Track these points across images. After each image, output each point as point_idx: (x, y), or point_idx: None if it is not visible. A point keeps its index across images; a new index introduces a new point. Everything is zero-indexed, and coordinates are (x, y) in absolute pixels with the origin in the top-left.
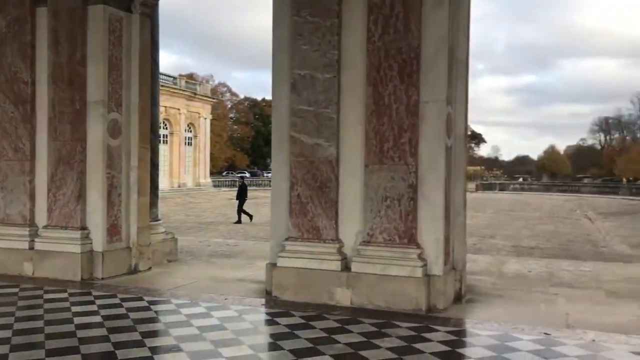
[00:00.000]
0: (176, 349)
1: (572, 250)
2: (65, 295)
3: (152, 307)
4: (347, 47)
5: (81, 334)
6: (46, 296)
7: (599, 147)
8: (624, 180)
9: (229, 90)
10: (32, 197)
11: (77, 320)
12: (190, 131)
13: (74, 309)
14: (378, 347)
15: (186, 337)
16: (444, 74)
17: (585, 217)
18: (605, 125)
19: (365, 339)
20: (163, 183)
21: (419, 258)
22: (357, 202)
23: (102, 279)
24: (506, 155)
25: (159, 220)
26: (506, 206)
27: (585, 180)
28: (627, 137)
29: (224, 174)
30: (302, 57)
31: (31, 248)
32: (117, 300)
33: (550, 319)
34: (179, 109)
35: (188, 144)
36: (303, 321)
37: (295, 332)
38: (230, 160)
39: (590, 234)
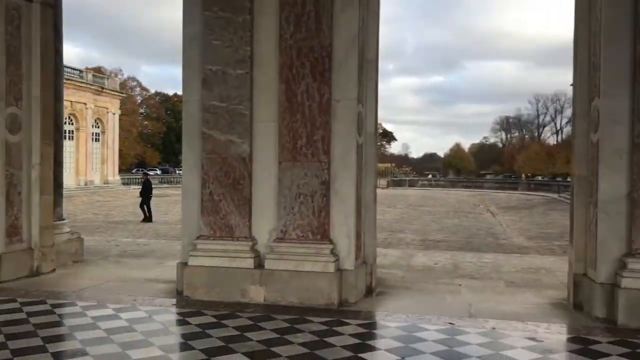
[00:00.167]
0: (81, 353)
1: (475, 242)
2: None
3: (55, 310)
4: (259, 44)
5: None
6: None
7: (500, 145)
8: (523, 176)
9: (139, 85)
10: None
11: None
12: (98, 127)
13: None
14: (291, 342)
15: (92, 341)
16: (355, 73)
17: (487, 211)
18: (506, 125)
19: (278, 336)
20: (69, 181)
21: (332, 253)
22: (270, 199)
23: (1, 282)
24: (415, 153)
25: (63, 219)
26: (415, 201)
27: (488, 177)
28: (526, 136)
29: (133, 171)
30: (214, 53)
31: None
32: (16, 305)
33: (454, 309)
34: (85, 104)
35: (95, 140)
36: (215, 320)
37: (207, 331)
38: (140, 157)
39: (491, 228)
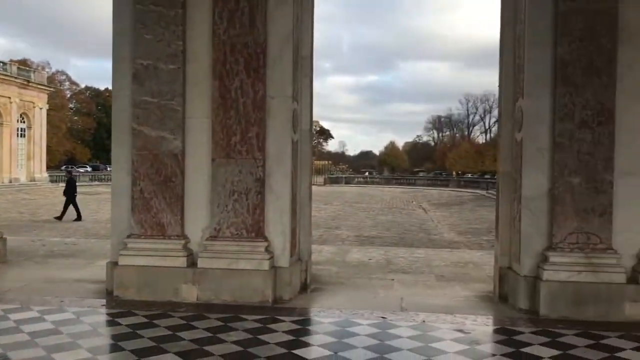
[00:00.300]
0: (2, 358)
1: (408, 238)
2: None
3: None
4: (192, 39)
5: None
6: None
7: (432, 143)
8: (454, 173)
9: (69, 79)
10: None
11: None
12: (24, 122)
13: None
14: (224, 341)
15: (15, 345)
16: (290, 70)
17: (420, 207)
18: (438, 124)
19: (211, 334)
20: None
21: (266, 251)
22: (204, 197)
23: None
24: (352, 150)
25: None
26: (351, 198)
27: (421, 174)
28: (457, 135)
29: (62, 168)
30: (146, 47)
31: None
32: None
33: (387, 303)
34: (9, 98)
35: (21, 136)
36: (146, 320)
37: (138, 331)
38: (69, 154)
39: (424, 223)
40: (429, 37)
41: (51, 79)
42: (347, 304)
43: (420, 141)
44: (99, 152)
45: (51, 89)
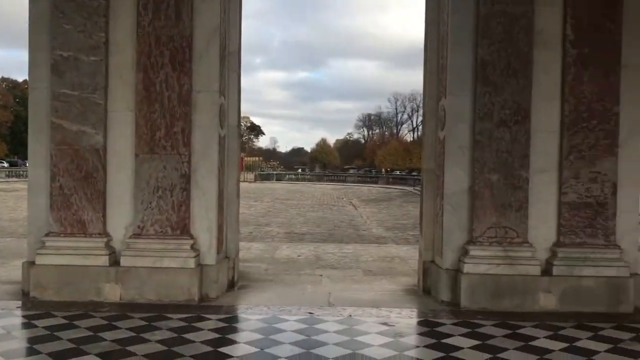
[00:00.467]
0: None
1: (337, 234)
2: None
3: None
4: (116, 30)
5: None
6: None
7: (363, 141)
8: (383, 170)
9: None
10: None
11: None
12: None
13: None
14: (147, 341)
15: None
16: (216, 64)
17: (350, 204)
18: (368, 121)
19: (134, 334)
20: None
21: (192, 248)
22: (127, 194)
23: None
24: (283, 147)
25: None
26: (282, 195)
27: (351, 171)
28: (386, 133)
29: None
30: (65, 38)
31: None
32: None
33: (315, 299)
34: None
35: None
36: (66, 321)
37: (56, 333)
38: None
39: (353, 219)
40: (359, 36)
41: None
42: (274, 301)
43: (351, 139)
44: (17, 147)
45: None
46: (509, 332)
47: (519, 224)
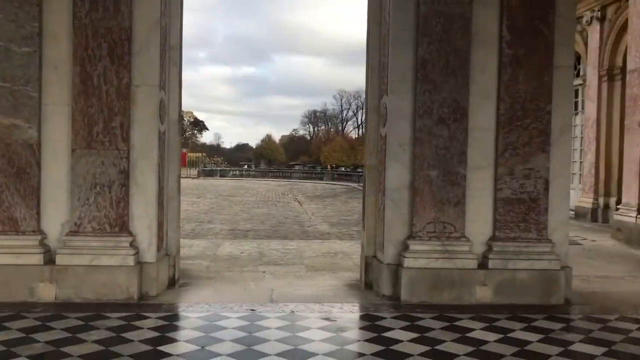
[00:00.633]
0: None
1: (282, 230)
2: None
3: None
4: (50, 21)
5: None
6: None
7: (308, 137)
8: (329, 167)
9: None
10: None
11: None
12: None
13: None
14: (84, 341)
15: None
16: (157, 58)
17: (295, 200)
18: (314, 118)
19: (69, 335)
20: None
21: (131, 246)
22: (63, 190)
23: None
24: (227, 143)
25: None
26: (226, 191)
27: (296, 167)
28: (331, 129)
29: None
30: None
31: None
32: None
33: (257, 295)
34: None
35: None
36: None
37: None
38: None
39: (298, 216)
40: (304, 32)
41: None
42: (216, 298)
43: (297, 135)
44: None
45: None
46: (447, 324)
47: (457, 219)
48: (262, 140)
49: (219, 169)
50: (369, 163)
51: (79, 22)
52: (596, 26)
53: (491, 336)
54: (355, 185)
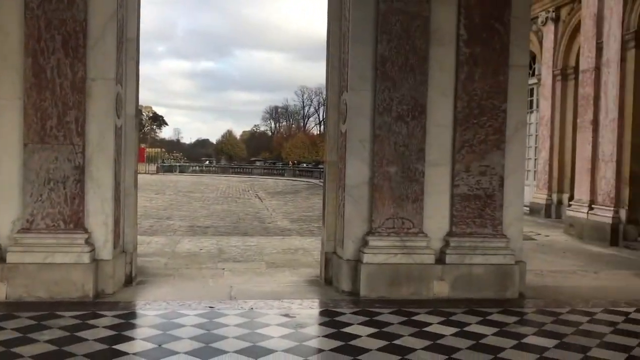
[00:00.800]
0: None
1: (242, 227)
2: None
3: None
4: (0, 12)
5: None
6: None
7: (270, 133)
8: (290, 163)
9: None
10: None
11: None
12: None
13: None
14: (35, 341)
15: None
16: (113, 51)
17: (255, 196)
18: (275, 114)
19: (20, 335)
20: None
21: (87, 243)
22: (14, 186)
23: None
24: (187, 138)
25: None
26: (185, 188)
27: (258, 163)
28: (293, 125)
29: None
30: None
31: None
32: None
33: (216, 292)
34: None
35: None
36: None
37: None
38: None
39: (258, 212)
40: (265, 27)
41: None
42: (174, 295)
43: (258, 131)
44: None
45: None
46: (405, 319)
47: (415, 215)
48: (223, 136)
49: (178, 164)
50: (330, 159)
51: (31, 13)
52: (551, 27)
53: (448, 330)
54: (316, 181)
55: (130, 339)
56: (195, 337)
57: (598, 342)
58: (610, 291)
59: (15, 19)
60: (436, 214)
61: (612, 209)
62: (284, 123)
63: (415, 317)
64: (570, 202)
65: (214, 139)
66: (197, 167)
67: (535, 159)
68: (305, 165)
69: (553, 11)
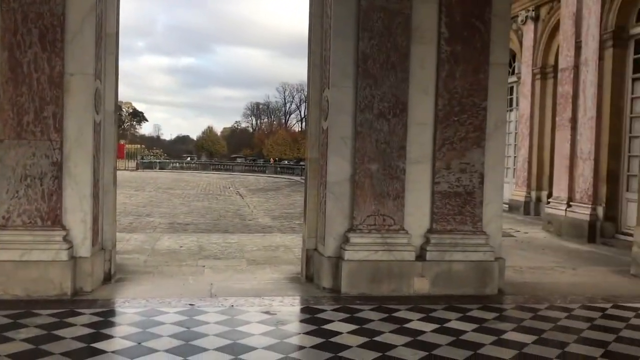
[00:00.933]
0: None
1: (222, 224)
2: None
3: None
4: None
5: None
6: None
7: (251, 130)
8: (271, 160)
9: None
10: None
11: None
12: None
13: None
14: (12, 339)
15: None
16: (92, 45)
17: (237, 193)
18: (256, 110)
19: None
20: None
21: (65, 240)
22: None
23: None
24: (167, 135)
25: None
26: (165, 184)
27: (239, 160)
28: (274, 122)
29: None
30: None
31: None
32: None
33: (196, 290)
34: None
35: None
36: None
37: None
38: None
39: (239, 209)
40: (246, 23)
41: None
42: (154, 293)
43: (239, 127)
44: None
45: None
46: (385, 315)
47: (396, 212)
48: (203, 132)
49: (158, 161)
50: (311, 156)
51: (7, 5)
52: (530, 25)
53: (428, 326)
54: (298, 178)
55: (109, 337)
56: (175, 334)
57: (576, 337)
58: (587, 287)
59: None
60: (417, 211)
61: (589, 206)
62: (265, 120)
63: (396, 314)
64: (548, 200)
65: (194, 135)
66: (177, 164)
67: (515, 157)
68: (286, 162)
69: (533, 10)
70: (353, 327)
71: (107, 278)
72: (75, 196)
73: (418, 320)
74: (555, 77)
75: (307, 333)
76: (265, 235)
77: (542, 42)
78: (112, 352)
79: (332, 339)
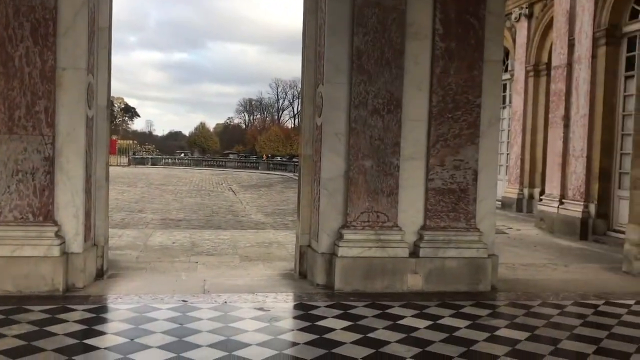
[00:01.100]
0: None
1: (215, 220)
2: None
3: None
4: None
5: None
6: None
7: (243, 126)
8: (264, 156)
9: None
10: None
11: None
12: None
13: None
14: (3, 336)
15: None
16: (84, 40)
17: (229, 190)
18: (249, 106)
19: None
20: None
21: (57, 236)
22: None
23: None
24: (159, 130)
25: None
26: (158, 180)
27: (231, 156)
28: (267, 118)
29: None
30: None
31: None
32: None
33: (189, 286)
34: None
35: None
36: None
37: None
38: None
39: (232, 205)
40: (239, 18)
41: None
42: (146, 289)
43: (232, 123)
44: None
45: None
46: (379, 312)
47: (390, 209)
48: (196, 128)
49: (150, 156)
50: (305, 153)
51: None
52: (524, 23)
53: (421, 323)
54: (290, 175)
55: (102, 333)
56: (168, 331)
57: (568, 334)
58: (580, 284)
59: None
60: (410, 208)
61: (582, 203)
62: (258, 116)
63: (389, 310)
64: (541, 197)
65: (186, 131)
66: (169, 160)
67: (508, 154)
68: (279, 159)
69: (526, 8)
70: (346, 323)
71: (100, 274)
72: (68, 192)
73: (411, 316)
74: (548, 75)
75: (301, 329)
76: (258, 232)
77: (536, 39)
78: (105, 348)
79: (326, 335)
